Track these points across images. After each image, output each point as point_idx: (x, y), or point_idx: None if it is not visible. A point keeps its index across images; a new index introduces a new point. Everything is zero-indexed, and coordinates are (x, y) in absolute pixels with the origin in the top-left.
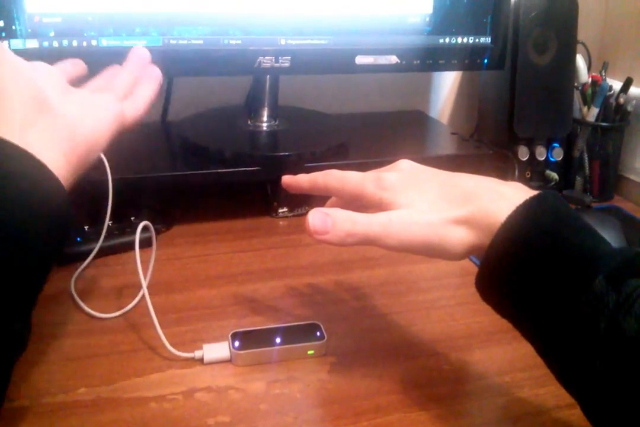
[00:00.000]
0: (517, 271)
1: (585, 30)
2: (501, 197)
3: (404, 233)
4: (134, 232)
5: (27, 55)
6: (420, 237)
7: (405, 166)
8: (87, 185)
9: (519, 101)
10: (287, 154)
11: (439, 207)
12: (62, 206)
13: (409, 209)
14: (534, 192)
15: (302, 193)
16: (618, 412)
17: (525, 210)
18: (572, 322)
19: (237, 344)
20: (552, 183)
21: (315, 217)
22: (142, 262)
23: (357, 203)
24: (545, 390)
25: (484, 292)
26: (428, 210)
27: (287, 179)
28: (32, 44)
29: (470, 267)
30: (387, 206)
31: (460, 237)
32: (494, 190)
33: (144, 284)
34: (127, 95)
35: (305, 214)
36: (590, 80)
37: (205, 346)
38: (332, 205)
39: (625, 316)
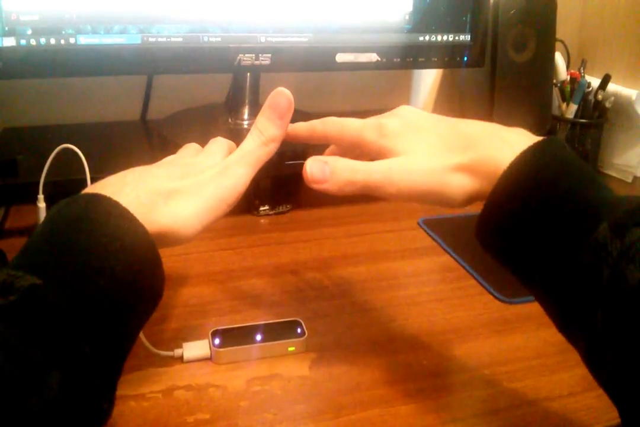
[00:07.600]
0: (518, 219)
1: (564, 28)
2: (504, 144)
3: (404, 181)
4: None
5: (4, 53)
6: (421, 184)
7: (405, 112)
8: (64, 185)
9: (499, 98)
10: None
11: (440, 154)
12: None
13: (410, 156)
14: (538, 139)
15: (301, 142)
16: (619, 361)
17: (529, 158)
18: (575, 270)
19: (217, 341)
20: None
21: (314, 166)
22: None
23: (357, 151)
24: (524, 383)
25: (484, 240)
26: (429, 157)
27: None
28: (9, 42)
29: (449, 264)
30: (387, 154)
31: (462, 184)
32: (496, 136)
33: None
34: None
35: (287, 212)
36: (568, 77)
37: (185, 344)
38: (331, 154)
39: (628, 265)
